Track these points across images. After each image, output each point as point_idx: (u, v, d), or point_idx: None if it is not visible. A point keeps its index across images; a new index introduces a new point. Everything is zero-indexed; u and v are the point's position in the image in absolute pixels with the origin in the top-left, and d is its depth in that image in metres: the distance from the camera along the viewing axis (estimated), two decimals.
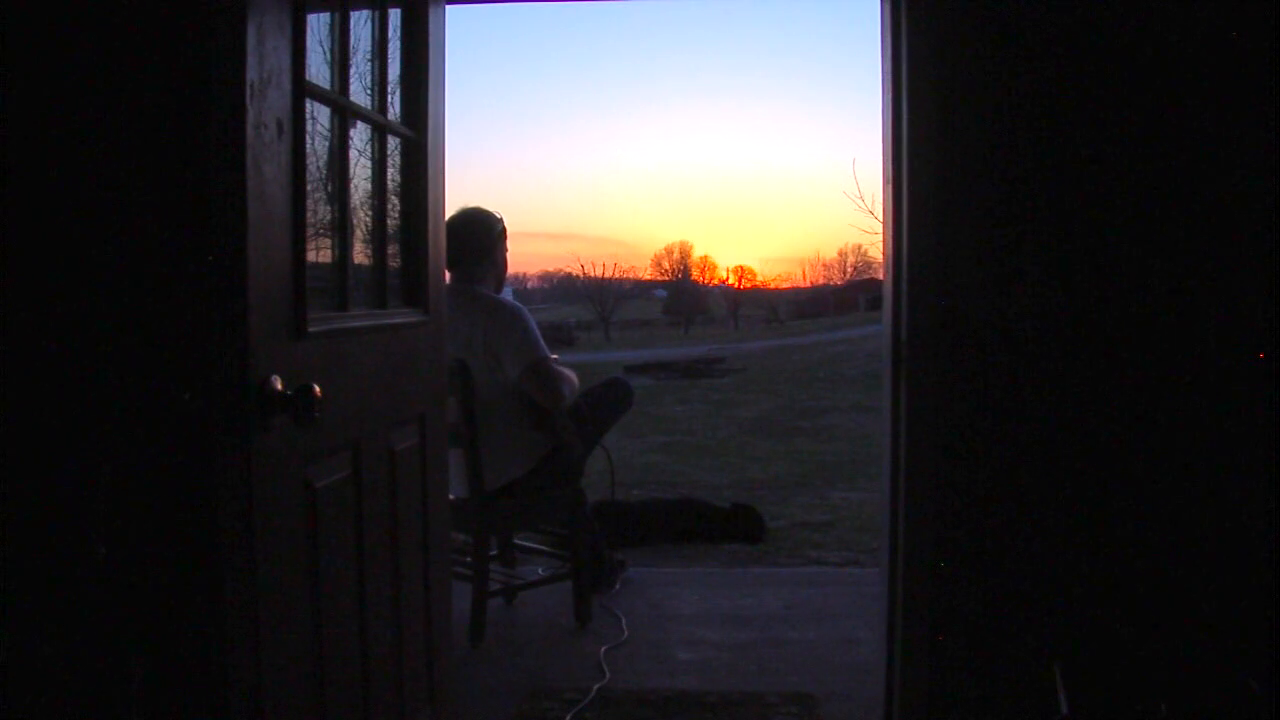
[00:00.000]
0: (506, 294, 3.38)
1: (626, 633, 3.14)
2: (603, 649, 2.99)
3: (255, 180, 1.33)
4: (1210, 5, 2.05)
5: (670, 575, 3.92)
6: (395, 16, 1.97)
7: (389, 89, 1.93)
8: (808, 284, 76.39)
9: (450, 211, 3.34)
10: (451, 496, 2.66)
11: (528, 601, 3.47)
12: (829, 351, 20.51)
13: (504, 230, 3.37)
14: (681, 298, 61.51)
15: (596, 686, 2.71)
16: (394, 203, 2.03)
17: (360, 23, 1.86)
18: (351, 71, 1.79)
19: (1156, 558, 2.11)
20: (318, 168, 1.67)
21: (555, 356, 3.23)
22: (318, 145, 1.65)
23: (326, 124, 1.69)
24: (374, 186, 1.93)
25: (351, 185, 1.82)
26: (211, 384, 1.30)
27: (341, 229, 1.77)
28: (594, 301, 56.17)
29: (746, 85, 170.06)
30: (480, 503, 3.07)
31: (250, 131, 1.31)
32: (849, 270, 71.17)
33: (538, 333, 3.18)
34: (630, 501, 4.79)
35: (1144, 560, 2.12)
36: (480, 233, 3.30)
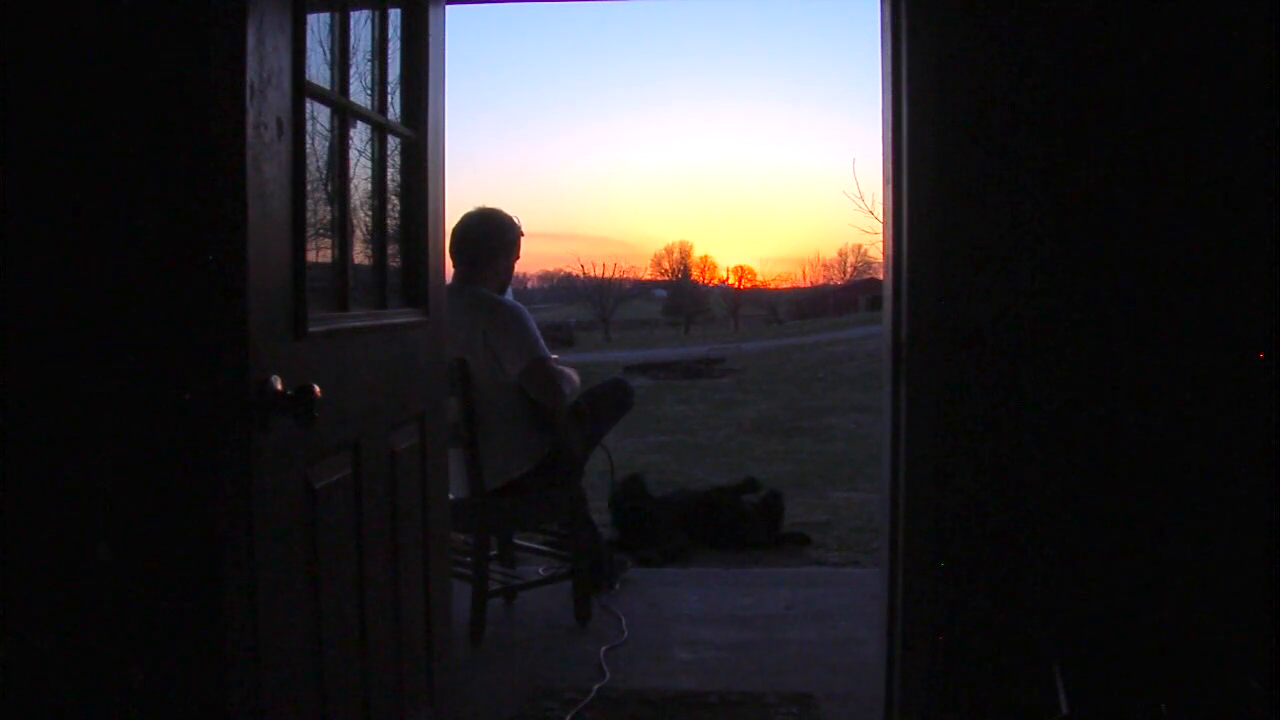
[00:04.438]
0: (508, 295, 3.38)
1: (626, 633, 3.14)
2: (603, 649, 2.99)
3: (255, 180, 1.33)
4: (1211, 6, 2.05)
5: (670, 575, 3.92)
6: (395, 16, 1.97)
7: (389, 89, 1.93)
8: (808, 284, 76.48)
9: (465, 210, 3.36)
10: (451, 496, 2.66)
11: (528, 601, 3.47)
12: (829, 352, 20.50)
13: (517, 237, 3.36)
14: (681, 298, 61.48)
15: (596, 686, 2.71)
16: (394, 203, 2.03)
17: (360, 23, 1.86)
18: (351, 71, 1.79)
19: (1157, 557, 2.11)
20: (318, 168, 1.67)
21: (555, 357, 3.23)
22: (318, 145, 1.65)
23: (326, 124, 1.69)
24: (374, 186, 1.93)
25: (351, 185, 1.82)
26: (211, 384, 1.30)
27: (341, 229, 1.77)
28: (594, 301, 56.16)
29: (746, 85, 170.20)
30: (480, 503, 3.07)
31: (250, 131, 1.31)
32: (849, 270, 71.28)
33: (537, 332, 3.18)
34: (656, 497, 4.73)
35: (1144, 560, 2.12)
36: (490, 235, 3.29)
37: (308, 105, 1.51)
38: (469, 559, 3.10)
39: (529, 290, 77.59)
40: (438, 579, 2.16)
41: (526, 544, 3.70)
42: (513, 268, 3.39)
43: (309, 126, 1.53)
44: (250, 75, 1.31)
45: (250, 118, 1.31)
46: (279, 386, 1.37)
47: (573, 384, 3.27)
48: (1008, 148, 2.10)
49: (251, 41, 1.31)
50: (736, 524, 4.58)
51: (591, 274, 63.63)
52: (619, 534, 4.38)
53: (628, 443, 8.14)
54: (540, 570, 3.51)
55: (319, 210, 1.71)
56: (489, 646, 3.05)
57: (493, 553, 3.36)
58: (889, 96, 2.20)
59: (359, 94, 1.85)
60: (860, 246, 65.95)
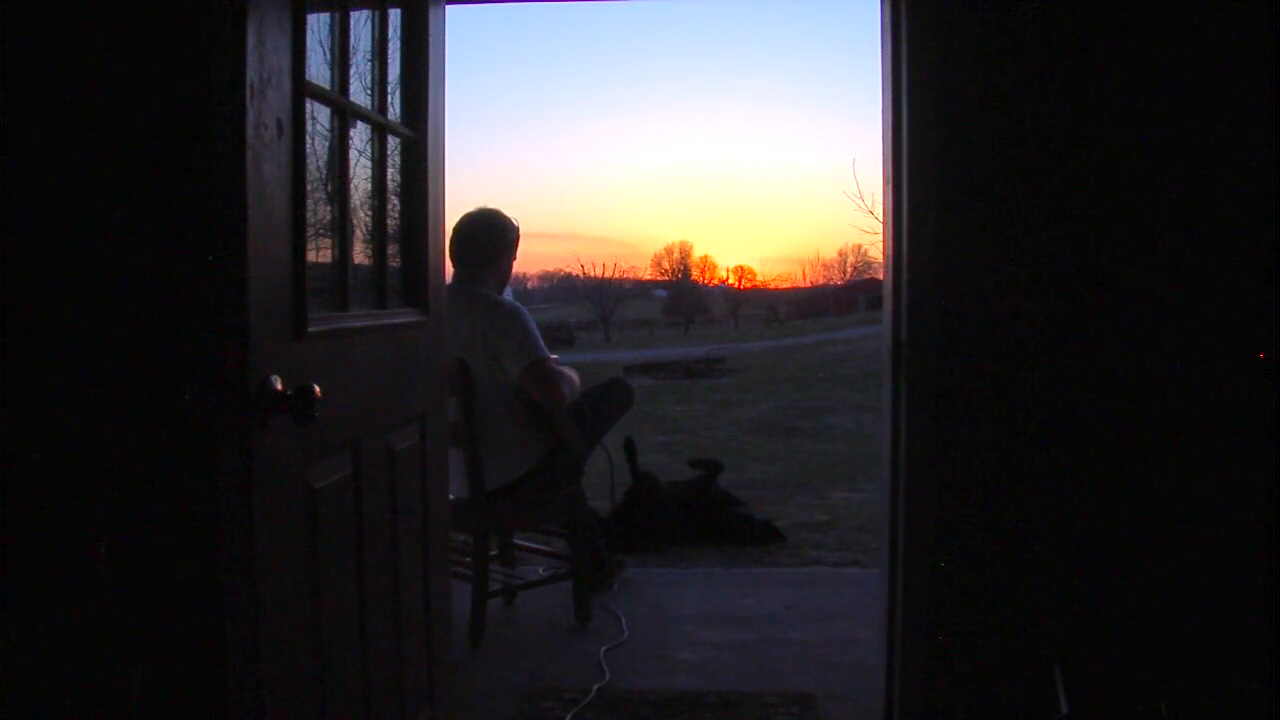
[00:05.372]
0: (507, 295, 3.38)
1: (626, 633, 3.14)
2: (603, 649, 2.99)
3: (255, 180, 1.33)
4: (1211, 8, 2.05)
5: (670, 575, 3.92)
6: (395, 16, 1.97)
7: (389, 89, 1.93)
8: (808, 284, 76.50)
9: (465, 210, 3.37)
10: (451, 496, 2.66)
11: (528, 601, 3.47)
12: (829, 352, 20.51)
13: (516, 238, 3.36)
14: (681, 298, 61.47)
15: (596, 686, 2.71)
16: (394, 203, 2.03)
17: (360, 23, 1.86)
18: (351, 71, 1.79)
19: (1156, 558, 2.11)
20: (318, 168, 1.67)
21: (555, 357, 3.23)
22: (318, 145, 1.65)
23: (326, 124, 1.69)
24: (374, 186, 1.93)
25: (351, 185, 1.82)
26: (211, 384, 1.30)
27: (341, 229, 1.77)
28: (594, 301, 56.11)
29: (747, 85, 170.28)
30: (480, 503, 3.06)
31: (250, 131, 1.31)
32: (849, 270, 71.30)
33: (537, 332, 3.18)
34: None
35: (1144, 560, 2.12)
36: (491, 236, 3.29)
37: (308, 105, 1.51)
38: (469, 559, 3.10)
39: (529, 290, 77.60)
40: (438, 579, 2.15)
41: (526, 544, 3.70)
42: (512, 267, 3.40)
43: (309, 126, 1.53)
44: (250, 75, 1.31)
45: (250, 118, 1.31)
46: (279, 386, 1.37)
47: (572, 384, 3.27)
48: (1007, 147, 2.10)
49: (251, 41, 1.31)
50: (721, 511, 4.60)
51: (591, 274, 63.58)
52: (621, 534, 4.39)
53: None
54: (540, 570, 3.50)
55: (319, 210, 1.71)
56: (489, 646, 3.05)
57: (493, 553, 3.36)
58: (889, 96, 2.20)
59: (359, 94, 1.85)
60: (860, 246, 66.03)
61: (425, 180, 2.08)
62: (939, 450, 2.15)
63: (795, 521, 5.02)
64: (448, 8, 2.19)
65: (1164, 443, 2.11)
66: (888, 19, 2.19)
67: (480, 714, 2.57)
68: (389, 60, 1.92)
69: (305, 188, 1.48)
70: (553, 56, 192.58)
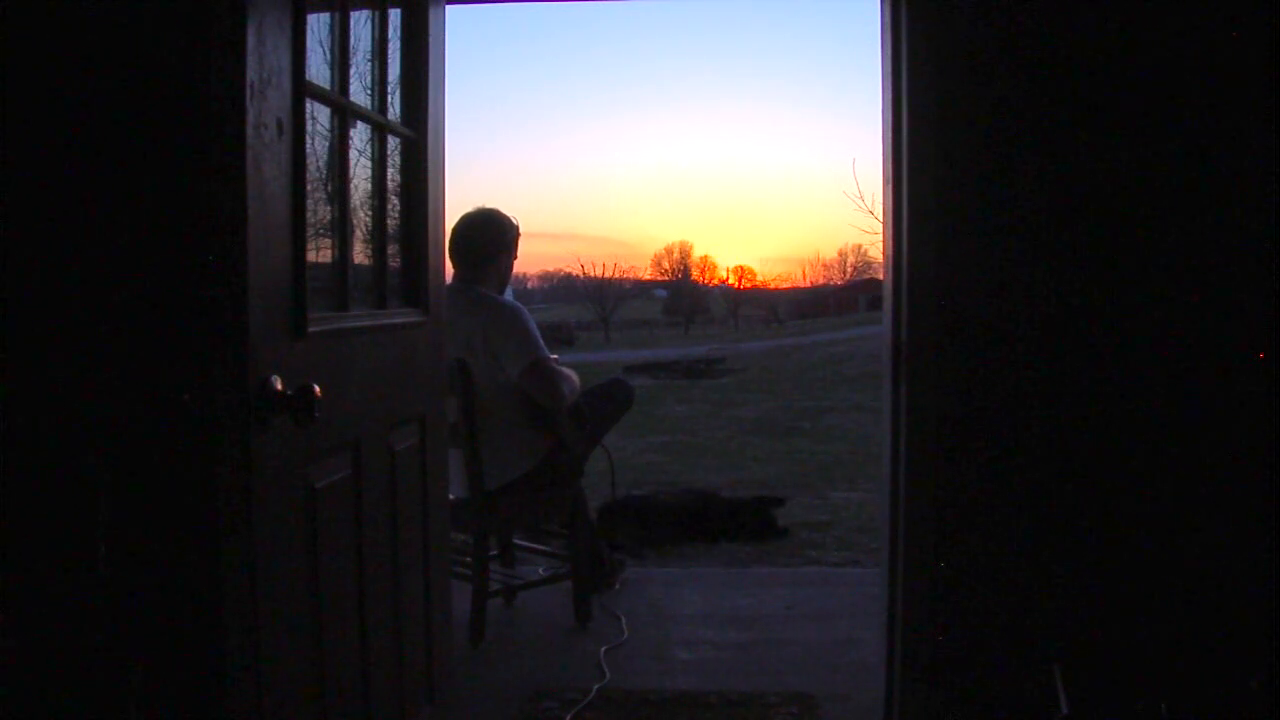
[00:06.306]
0: (507, 295, 3.38)
1: (626, 633, 3.14)
2: (603, 649, 2.99)
3: (255, 180, 1.33)
4: (1210, 8, 2.05)
5: (670, 575, 3.92)
6: (395, 16, 1.97)
7: (389, 89, 1.93)
8: (808, 284, 76.52)
9: (465, 210, 3.37)
10: (451, 496, 2.66)
11: (528, 601, 3.47)
12: (829, 351, 20.51)
13: (516, 237, 3.36)
14: (681, 298, 61.45)
15: (596, 686, 2.70)
16: (394, 203, 2.03)
17: (360, 23, 1.86)
18: (351, 71, 1.79)
19: (1156, 557, 2.11)
20: (318, 168, 1.67)
21: (555, 357, 3.23)
22: (318, 145, 1.65)
23: (326, 124, 1.69)
24: (374, 186, 1.93)
25: (351, 185, 1.82)
26: (211, 384, 1.30)
27: (341, 229, 1.78)
28: (594, 301, 56.07)
29: (746, 85, 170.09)
30: (480, 503, 3.06)
31: (250, 131, 1.31)
32: (849, 270, 71.32)
33: (537, 332, 3.18)
34: (640, 496, 4.79)
35: (1144, 560, 2.12)
36: (490, 236, 3.29)
37: (308, 105, 1.51)
38: (469, 559, 3.10)
39: (529, 290, 77.51)
40: (438, 579, 2.16)
41: (526, 544, 3.70)
42: (512, 267, 3.40)
43: (309, 126, 1.53)
44: (250, 75, 1.31)
45: (250, 118, 1.31)
46: (279, 386, 1.37)
47: (572, 384, 3.27)
48: (1008, 147, 2.10)
49: (251, 41, 1.31)
50: (725, 516, 4.62)
51: (591, 274, 63.47)
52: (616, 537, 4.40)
53: (628, 443, 8.14)
54: (540, 570, 3.50)
55: (319, 210, 1.71)
56: (489, 646, 3.05)
57: (493, 553, 3.36)
58: (889, 96, 2.20)
59: (359, 94, 1.85)
60: (860, 246, 65.98)
61: (425, 180, 2.08)
62: (939, 450, 2.15)
63: (795, 521, 5.02)
64: (448, 8, 2.19)
65: (1164, 442, 2.11)
66: (888, 19, 2.19)
67: (480, 714, 2.57)
68: (389, 60, 1.93)
69: (305, 188, 1.49)
70: (553, 56, 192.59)
